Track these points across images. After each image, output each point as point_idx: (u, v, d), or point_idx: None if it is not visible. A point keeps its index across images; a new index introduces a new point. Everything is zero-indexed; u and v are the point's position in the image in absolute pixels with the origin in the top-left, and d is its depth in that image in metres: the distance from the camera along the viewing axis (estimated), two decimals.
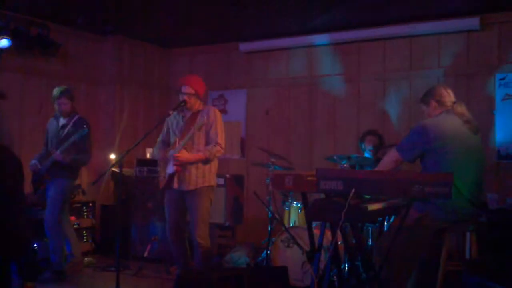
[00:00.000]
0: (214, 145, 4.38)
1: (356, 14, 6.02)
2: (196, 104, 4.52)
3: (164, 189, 4.56)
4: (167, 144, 4.69)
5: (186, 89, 4.44)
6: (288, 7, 5.75)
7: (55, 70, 6.44)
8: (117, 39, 7.06)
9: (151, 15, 6.19)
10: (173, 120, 4.63)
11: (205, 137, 4.42)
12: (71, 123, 5.28)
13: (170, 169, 4.39)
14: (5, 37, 5.62)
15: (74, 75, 6.73)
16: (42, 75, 6.33)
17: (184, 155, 4.32)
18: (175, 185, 4.40)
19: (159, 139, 4.78)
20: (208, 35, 7.11)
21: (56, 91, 5.32)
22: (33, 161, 5.31)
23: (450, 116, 3.56)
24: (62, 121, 5.36)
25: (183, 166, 4.34)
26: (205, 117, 4.28)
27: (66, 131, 5.26)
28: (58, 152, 5.07)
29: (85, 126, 5.14)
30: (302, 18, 6.12)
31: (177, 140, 4.41)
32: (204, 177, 4.41)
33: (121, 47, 7.17)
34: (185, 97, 4.43)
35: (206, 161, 4.41)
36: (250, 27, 6.66)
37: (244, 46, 7.18)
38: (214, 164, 4.53)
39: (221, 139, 4.42)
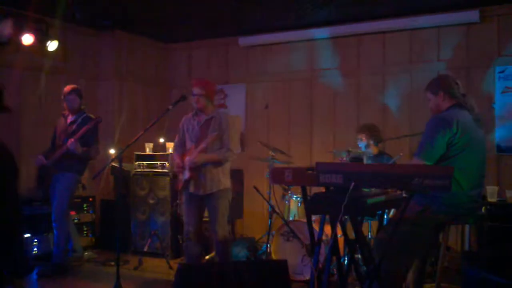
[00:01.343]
0: (227, 150, 4.59)
1: (355, 7, 6.00)
2: (209, 107, 4.69)
3: (182, 191, 4.77)
4: (183, 146, 4.84)
5: (197, 90, 4.62)
6: (288, 1, 5.73)
7: (54, 66, 6.43)
8: (116, 34, 7.04)
9: (150, 10, 6.17)
10: (188, 124, 4.77)
11: (219, 143, 4.61)
12: (79, 120, 5.38)
13: (185, 175, 4.58)
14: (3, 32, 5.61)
15: (73, 70, 6.72)
16: (41, 71, 6.32)
17: (200, 157, 4.52)
18: (191, 189, 4.61)
19: (176, 143, 4.90)
20: (207, 30, 7.09)
21: (66, 88, 5.44)
22: (39, 156, 5.37)
23: (462, 110, 3.52)
24: (70, 118, 5.46)
25: (198, 171, 4.55)
26: (213, 133, 4.51)
27: (75, 126, 5.34)
28: (73, 140, 5.08)
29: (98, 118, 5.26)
30: (301, 11, 6.10)
31: (193, 146, 4.58)
32: (219, 181, 4.61)
33: (120, 42, 7.15)
34: (196, 98, 4.61)
35: (219, 163, 4.60)
36: (250, 21, 6.64)
37: (243, 40, 7.16)
38: (227, 167, 4.72)
39: (233, 144, 4.66)
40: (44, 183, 5.38)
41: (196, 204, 4.66)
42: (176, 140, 4.90)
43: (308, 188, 3.39)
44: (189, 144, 4.71)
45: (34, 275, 5.12)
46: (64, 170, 5.29)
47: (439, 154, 3.38)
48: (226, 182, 4.66)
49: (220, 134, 4.58)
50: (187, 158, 4.59)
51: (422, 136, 3.48)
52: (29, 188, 5.69)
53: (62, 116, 5.57)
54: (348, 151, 4.85)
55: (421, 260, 3.63)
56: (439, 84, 3.63)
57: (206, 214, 4.85)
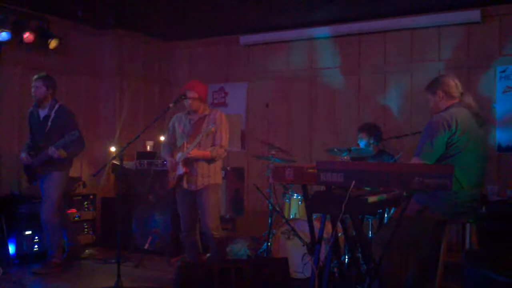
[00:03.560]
0: (219, 147, 4.65)
1: (356, 7, 6.00)
2: (201, 107, 4.75)
3: (173, 189, 4.80)
4: (173, 145, 4.87)
5: (191, 93, 4.68)
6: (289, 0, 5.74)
7: (55, 63, 6.43)
8: (117, 32, 7.04)
9: (151, 8, 6.17)
10: (180, 122, 4.82)
11: (211, 140, 4.66)
12: (53, 114, 5.17)
13: (179, 170, 4.62)
14: (4, 30, 5.62)
15: (74, 68, 6.73)
16: (42, 68, 6.32)
17: (194, 152, 4.57)
18: (185, 185, 4.65)
19: (165, 142, 4.97)
20: (208, 28, 7.09)
21: (35, 76, 5.25)
22: (22, 154, 5.23)
23: (462, 109, 3.52)
24: (42, 112, 5.23)
25: (191, 167, 4.61)
26: (212, 125, 4.55)
27: (50, 122, 5.15)
28: (53, 148, 4.95)
29: (75, 130, 4.94)
30: (302, 10, 6.10)
31: (185, 143, 4.62)
32: (210, 176, 4.66)
33: (121, 40, 7.16)
34: (190, 101, 4.67)
35: (211, 160, 4.65)
36: (251, 20, 6.63)
37: (244, 39, 7.17)
38: (218, 164, 4.78)
39: (225, 141, 4.71)
40: (35, 181, 5.31)
41: (189, 200, 4.71)
42: (165, 140, 4.97)
43: (309, 186, 3.41)
44: (180, 142, 4.75)
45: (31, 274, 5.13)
46: (49, 169, 5.15)
47: (439, 154, 3.39)
48: (217, 178, 4.72)
49: (213, 131, 4.64)
50: (179, 154, 4.64)
51: (422, 136, 3.49)
52: (26, 187, 5.67)
53: (32, 109, 5.30)
54: (349, 150, 4.85)
55: (422, 258, 3.63)
56: (437, 84, 3.64)
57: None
